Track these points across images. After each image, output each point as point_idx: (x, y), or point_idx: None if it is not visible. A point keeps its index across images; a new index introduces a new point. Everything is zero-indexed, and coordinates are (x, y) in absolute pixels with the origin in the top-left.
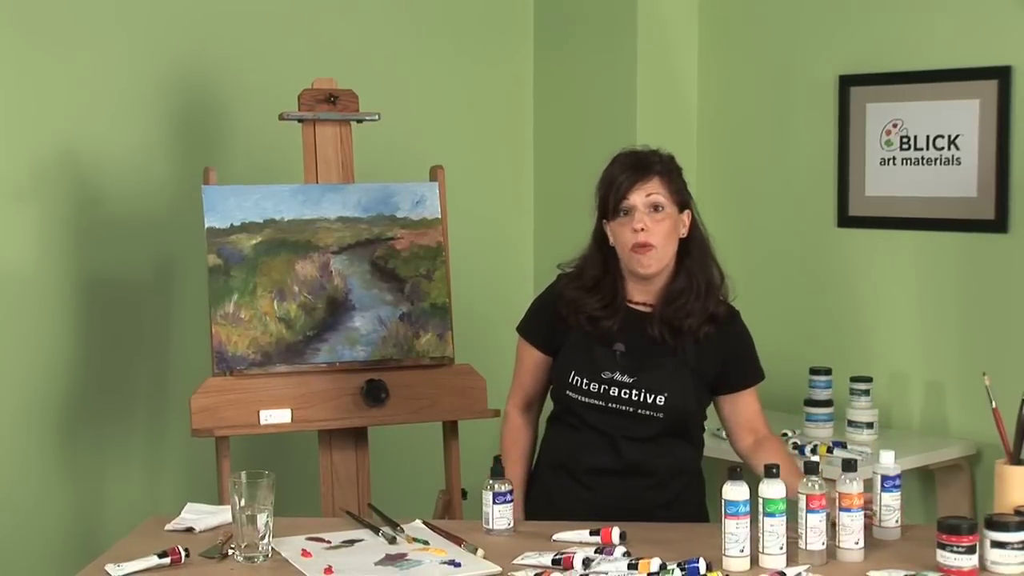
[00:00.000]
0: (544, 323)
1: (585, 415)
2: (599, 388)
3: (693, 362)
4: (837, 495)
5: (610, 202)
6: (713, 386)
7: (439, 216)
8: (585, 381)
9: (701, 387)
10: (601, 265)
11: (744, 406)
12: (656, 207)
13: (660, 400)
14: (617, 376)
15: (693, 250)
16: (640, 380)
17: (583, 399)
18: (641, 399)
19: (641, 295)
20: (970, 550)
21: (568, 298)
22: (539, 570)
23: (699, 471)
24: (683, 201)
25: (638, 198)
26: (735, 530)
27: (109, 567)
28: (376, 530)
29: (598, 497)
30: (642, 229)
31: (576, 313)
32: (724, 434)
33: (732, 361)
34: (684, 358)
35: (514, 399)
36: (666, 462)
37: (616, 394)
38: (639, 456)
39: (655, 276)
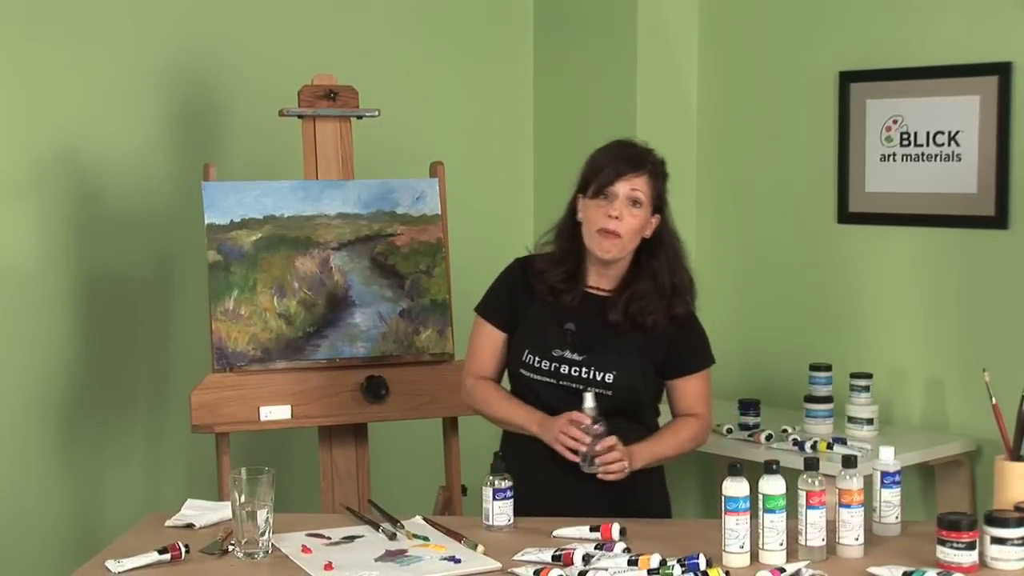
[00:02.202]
0: (503, 302)
1: (540, 392)
2: (550, 366)
3: (642, 343)
4: (837, 491)
5: (594, 182)
6: (661, 370)
7: (439, 212)
8: (537, 359)
9: (649, 368)
10: (570, 239)
11: (686, 391)
12: (635, 202)
13: (609, 378)
14: (567, 354)
15: (660, 253)
16: (589, 358)
17: (535, 377)
18: (591, 377)
19: (597, 279)
20: (970, 546)
21: (537, 268)
22: (539, 566)
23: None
24: (659, 205)
25: (623, 188)
26: (735, 526)
27: (109, 563)
28: (376, 526)
29: (562, 479)
30: (617, 217)
31: (541, 283)
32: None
33: (679, 346)
34: (633, 338)
35: (470, 374)
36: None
37: (567, 372)
38: None
39: (612, 264)
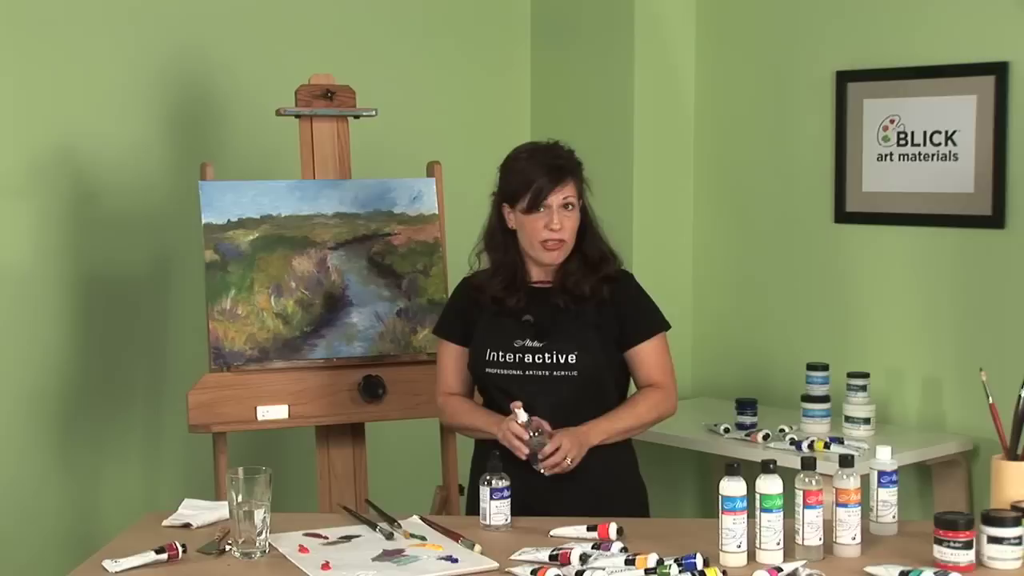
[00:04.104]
0: (456, 319)
1: (507, 387)
2: (514, 357)
3: (595, 320)
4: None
5: (527, 198)
6: (618, 343)
7: (436, 212)
8: (500, 353)
9: (609, 344)
10: (502, 248)
11: (643, 359)
12: (568, 206)
13: (572, 359)
14: (528, 343)
15: (587, 235)
16: (550, 343)
17: (502, 372)
18: (554, 360)
19: (539, 274)
20: (967, 545)
21: (475, 284)
22: (536, 566)
23: (627, 442)
24: (583, 194)
25: (556, 199)
26: (732, 525)
27: (106, 563)
28: (373, 526)
29: (531, 476)
30: (559, 228)
31: (485, 296)
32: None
33: (629, 315)
34: (586, 319)
35: (440, 393)
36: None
37: (531, 360)
38: (564, 425)
39: None
